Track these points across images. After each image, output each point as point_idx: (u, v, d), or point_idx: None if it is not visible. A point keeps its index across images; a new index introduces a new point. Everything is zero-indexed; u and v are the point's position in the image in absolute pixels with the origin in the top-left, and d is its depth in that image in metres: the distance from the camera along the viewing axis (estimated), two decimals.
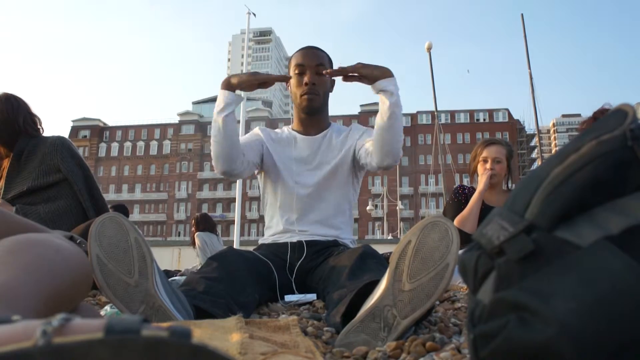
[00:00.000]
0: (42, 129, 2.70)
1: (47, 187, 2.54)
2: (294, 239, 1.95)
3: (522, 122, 69.47)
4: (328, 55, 2.13)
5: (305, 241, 1.93)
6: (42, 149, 2.56)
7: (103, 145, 73.23)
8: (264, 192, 2.16)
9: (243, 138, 2.10)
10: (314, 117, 2.11)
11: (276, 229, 2.05)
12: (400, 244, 1.20)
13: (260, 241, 2.10)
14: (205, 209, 62.55)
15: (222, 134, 1.88)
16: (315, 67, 2.03)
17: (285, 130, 2.20)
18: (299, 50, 2.12)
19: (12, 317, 0.40)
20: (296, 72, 2.06)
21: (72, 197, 2.55)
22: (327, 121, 2.17)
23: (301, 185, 2.03)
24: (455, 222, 3.00)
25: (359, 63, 1.85)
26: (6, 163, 2.60)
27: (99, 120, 75.55)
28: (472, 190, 3.18)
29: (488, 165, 3.10)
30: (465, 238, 2.61)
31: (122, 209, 5.83)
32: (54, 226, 2.27)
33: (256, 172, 2.17)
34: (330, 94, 2.15)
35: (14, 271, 0.71)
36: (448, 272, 1.15)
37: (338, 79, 2.13)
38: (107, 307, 1.58)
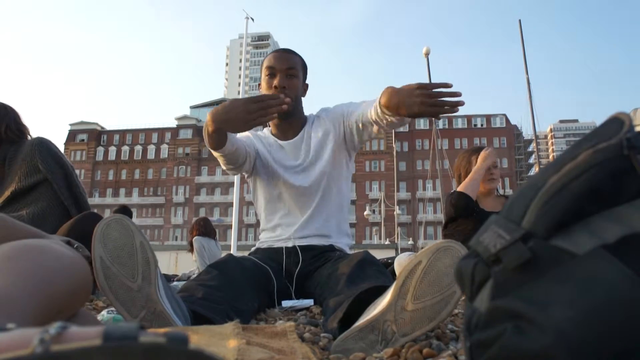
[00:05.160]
0: (30, 136, 2.68)
1: (29, 190, 2.51)
2: (290, 244, 1.95)
3: (519, 128, 69.74)
4: (302, 59, 2.10)
5: (302, 246, 1.93)
6: (22, 152, 2.54)
7: (100, 149, 73.13)
8: (256, 196, 2.15)
9: (241, 137, 2.07)
10: (286, 121, 2.09)
11: (272, 233, 2.05)
12: (411, 262, 1.19)
13: (257, 245, 2.10)
14: (202, 213, 62.39)
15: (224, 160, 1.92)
16: (286, 71, 2.01)
17: (267, 133, 2.18)
18: (271, 53, 2.10)
19: (7, 325, 0.40)
20: (266, 74, 2.03)
21: (54, 197, 2.52)
22: (303, 120, 2.15)
23: (293, 187, 2.02)
24: (459, 188, 3.07)
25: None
26: None
27: (96, 124, 75.50)
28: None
29: (491, 170, 3.14)
30: (462, 240, 2.64)
31: (126, 211, 5.81)
32: (38, 228, 2.25)
33: (246, 175, 2.17)
34: (303, 98, 2.14)
35: (10, 278, 0.70)
36: (454, 300, 1.15)
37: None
38: (104, 312, 1.58)
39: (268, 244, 2.03)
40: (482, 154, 3.13)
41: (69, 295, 0.81)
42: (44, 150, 2.54)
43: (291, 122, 2.10)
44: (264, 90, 2.06)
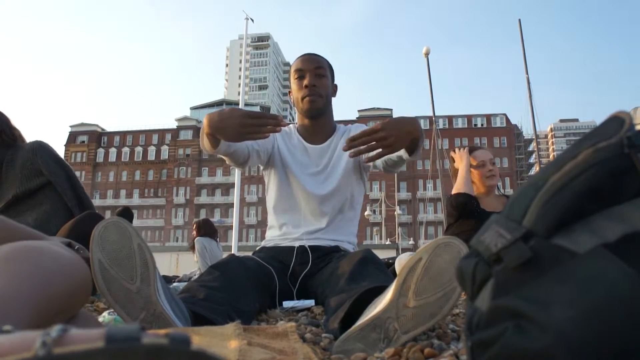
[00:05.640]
0: (24, 139, 2.68)
1: (32, 193, 2.50)
2: (296, 244, 1.95)
3: (519, 127, 69.73)
4: (328, 62, 2.13)
5: (308, 246, 1.92)
6: (21, 156, 2.53)
7: (101, 151, 73.20)
8: (269, 191, 2.15)
9: None
10: (317, 121, 2.09)
11: (278, 231, 2.05)
12: (411, 259, 1.20)
13: (263, 243, 2.09)
14: (203, 214, 62.38)
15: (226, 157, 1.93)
16: (315, 70, 2.03)
17: (292, 130, 2.18)
18: (298, 57, 2.12)
19: (4, 327, 0.40)
20: (296, 77, 2.06)
21: (57, 200, 2.52)
22: (332, 126, 2.16)
23: (309, 194, 2.02)
24: (454, 191, 3.10)
25: (383, 130, 1.56)
26: None
27: (97, 125, 75.58)
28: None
29: (489, 167, 3.15)
30: (463, 240, 2.67)
31: (128, 213, 5.79)
32: (43, 231, 2.24)
33: (262, 168, 2.17)
34: (333, 98, 2.15)
35: (8, 279, 0.70)
36: (455, 295, 1.15)
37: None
38: (105, 314, 1.57)
39: (274, 242, 2.02)
40: (456, 156, 3.19)
41: (67, 296, 0.81)
42: (45, 153, 2.54)
43: (321, 123, 2.09)
44: (294, 93, 2.08)
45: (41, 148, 2.54)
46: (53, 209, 2.49)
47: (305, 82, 2.02)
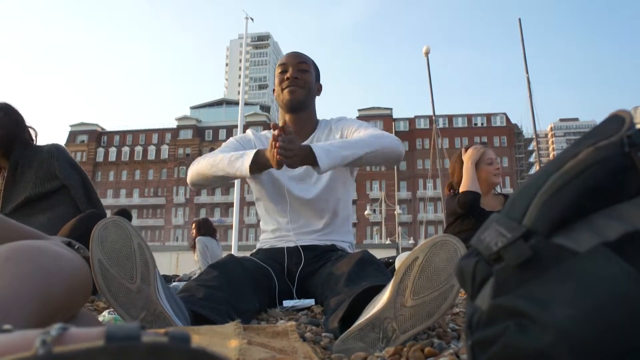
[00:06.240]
0: (36, 139, 2.67)
1: (46, 196, 2.50)
2: (292, 244, 1.95)
3: (519, 127, 69.69)
4: (313, 61, 2.12)
5: (303, 246, 1.92)
6: (38, 158, 2.52)
7: (101, 150, 73.16)
8: (258, 198, 2.14)
9: (232, 145, 2.08)
10: (298, 116, 2.07)
11: (272, 234, 2.04)
12: (408, 258, 1.20)
13: (258, 245, 2.09)
14: (203, 213, 62.36)
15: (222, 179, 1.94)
16: (297, 65, 2.04)
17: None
18: (283, 56, 2.15)
19: (4, 327, 0.40)
20: (279, 72, 2.07)
21: (71, 204, 2.52)
22: (314, 122, 2.14)
23: (296, 196, 2.01)
24: (462, 188, 3.08)
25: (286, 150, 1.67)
26: (1, 176, 2.56)
27: (96, 125, 75.53)
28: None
29: (497, 165, 3.17)
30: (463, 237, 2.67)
31: (125, 213, 5.77)
32: (53, 233, 2.24)
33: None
34: (317, 97, 2.14)
35: (8, 279, 0.70)
36: (452, 294, 1.15)
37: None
38: (105, 313, 1.58)
39: (270, 244, 2.02)
40: (467, 154, 3.17)
41: (67, 296, 0.81)
42: (62, 157, 2.53)
43: (302, 119, 2.07)
44: (276, 87, 2.09)
45: (58, 151, 2.54)
46: (66, 213, 2.49)
47: (287, 74, 2.02)
